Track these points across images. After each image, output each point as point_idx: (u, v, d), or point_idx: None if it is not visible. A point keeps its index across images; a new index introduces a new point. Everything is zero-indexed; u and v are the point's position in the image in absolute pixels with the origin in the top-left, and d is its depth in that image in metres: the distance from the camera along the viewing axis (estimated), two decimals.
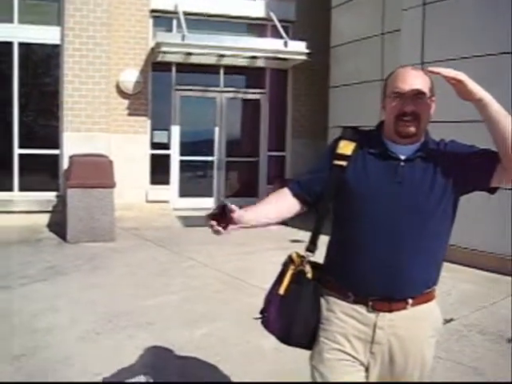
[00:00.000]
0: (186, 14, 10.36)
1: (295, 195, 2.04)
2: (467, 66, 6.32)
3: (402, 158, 1.90)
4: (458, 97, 1.84)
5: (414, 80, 1.87)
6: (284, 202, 2.04)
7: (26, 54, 9.33)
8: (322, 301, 1.99)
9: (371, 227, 1.87)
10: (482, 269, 6.41)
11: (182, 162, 11.11)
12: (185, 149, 11.13)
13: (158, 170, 10.89)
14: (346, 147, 1.97)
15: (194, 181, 11.45)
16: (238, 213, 1.84)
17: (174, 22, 10.78)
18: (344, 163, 1.94)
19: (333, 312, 1.95)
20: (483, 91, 1.79)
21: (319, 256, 2.06)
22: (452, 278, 5.85)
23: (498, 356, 3.99)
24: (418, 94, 1.86)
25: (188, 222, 9.61)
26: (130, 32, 10.41)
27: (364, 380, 1.93)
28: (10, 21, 9.03)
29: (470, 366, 3.79)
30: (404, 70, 1.93)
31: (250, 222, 1.93)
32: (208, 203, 11.16)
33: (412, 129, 1.87)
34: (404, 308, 1.89)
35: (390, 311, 1.89)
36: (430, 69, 1.82)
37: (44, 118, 9.77)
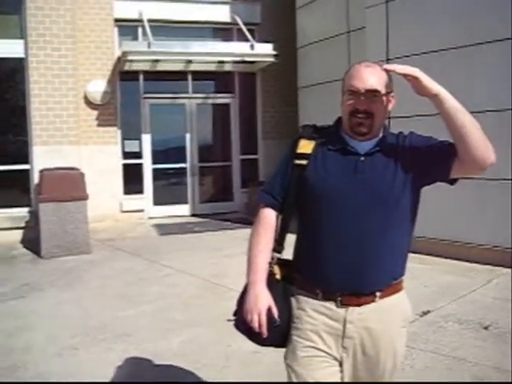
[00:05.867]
0: (150, 21, 10.32)
1: (278, 211, 2.03)
2: (431, 60, 6.42)
3: (362, 152, 1.91)
4: (415, 93, 1.85)
5: (369, 78, 1.87)
6: (273, 232, 2.02)
7: None
8: (293, 300, 2.00)
9: (335, 224, 1.88)
10: (461, 260, 6.44)
11: (154, 170, 11.06)
12: (157, 157, 11.09)
13: (131, 180, 10.82)
14: (306, 146, 1.97)
15: (168, 188, 11.38)
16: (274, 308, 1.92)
17: (140, 30, 10.74)
18: (304, 162, 1.95)
19: (303, 310, 1.96)
20: (438, 86, 1.80)
21: (288, 255, 2.07)
22: (431, 270, 5.91)
23: (476, 343, 4.04)
24: (371, 92, 1.86)
25: (163, 230, 9.57)
26: (95, 42, 10.34)
27: (338, 374, 1.94)
28: None
29: (449, 356, 3.84)
30: (359, 66, 1.92)
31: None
32: (183, 210, 11.15)
33: (364, 128, 1.88)
34: (373, 301, 1.91)
35: (359, 305, 1.90)
36: (385, 66, 1.85)
37: (12, 133, 9.58)
